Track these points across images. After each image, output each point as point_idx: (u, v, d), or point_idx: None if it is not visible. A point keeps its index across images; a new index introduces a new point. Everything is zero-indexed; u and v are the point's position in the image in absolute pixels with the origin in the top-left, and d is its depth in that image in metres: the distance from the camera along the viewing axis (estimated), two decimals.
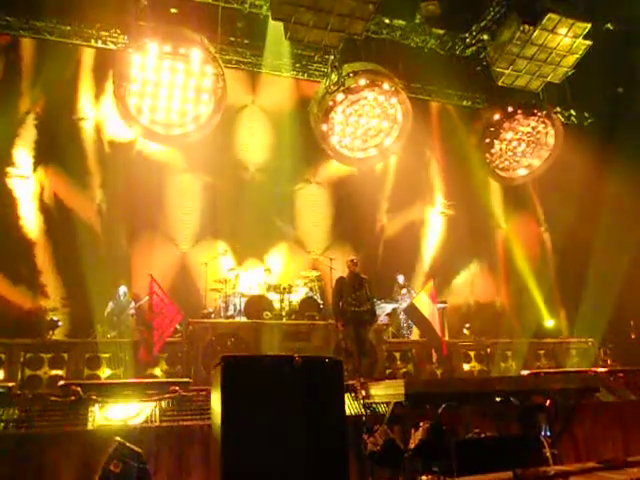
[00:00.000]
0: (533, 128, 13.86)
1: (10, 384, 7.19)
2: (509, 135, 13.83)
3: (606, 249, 12.15)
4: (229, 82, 11.68)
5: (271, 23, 10.79)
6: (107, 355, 8.65)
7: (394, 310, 11.38)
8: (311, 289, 10.92)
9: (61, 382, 6.74)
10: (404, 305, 10.92)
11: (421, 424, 4.92)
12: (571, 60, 11.86)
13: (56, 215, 11.09)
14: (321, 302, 10.65)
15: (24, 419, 5.80)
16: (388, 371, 9.86)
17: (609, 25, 12.32)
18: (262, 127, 13.13)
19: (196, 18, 11.09)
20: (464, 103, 14.27)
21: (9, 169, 10.98)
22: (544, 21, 11.04)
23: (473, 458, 4.84)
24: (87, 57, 11.69)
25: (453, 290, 13.23)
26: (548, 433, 5.69)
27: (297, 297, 10.48)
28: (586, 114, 14.63)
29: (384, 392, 5.84)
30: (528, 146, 14.07)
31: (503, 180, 14.52)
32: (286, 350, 8.95)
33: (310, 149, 12.86)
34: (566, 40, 11.45)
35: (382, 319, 10.93)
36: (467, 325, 11.92)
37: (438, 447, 4.78)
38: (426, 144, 14.18)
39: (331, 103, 12.39)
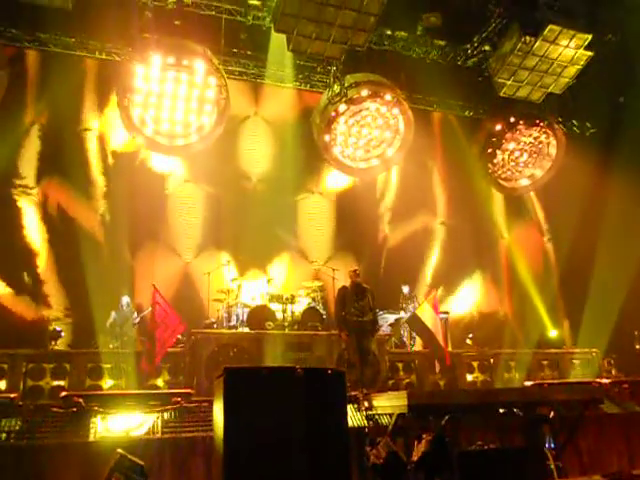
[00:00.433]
0: (535, 138, 13.88)
1: (12, 395, 7.19)
2: (511, 145, 13.85)
3: (610, 258, 12.12)
4: (232, 93, 11.74)
5: (274, 35, 10.86)
6: (109, 366, 8.63)
7: (397, 321, 11.35)
8: (314, 299, 10.90)
9: (63, 393, 6.74)
10: (407, 315, 10.90)
11: (424, 436, 4.89)
12: (572, 71, 11.90)
13: (59, 225, 11.14)
14: (324, 312, 10.63)
15: (26, 430, 5.80)
16: (391, 382, 9.81)
17: (610, 36, 12.35)
18: (265, 138, 13.19)
19: (199, 30, 11.17)
20: (466, 114, 14.31)
21: (13, 180, 11.03)
22: (545, 32, 11.08)
23: (476, 470, 4.81)
24: (91, 69, 11.78)
25: (456, 300, 13.20)
26: (552, 445, 5.66)
27: (300, 307, 10.47)
28: (588, 124, 14.65)
29: (387, 403, 5.83)
30: (530, 156, 14.09)
31: (505, 190, 14.53)
32: (289, 361, 8.93)
33: (312, 159, 12.91)
34: (567, 51, 11.49)
35: (385, 329, 10.91)
36: (470, 335, 11.88)
37: (441, 459, 4.75)
38: (428, 154, 14.21)
39: (333, 114, 12.43)
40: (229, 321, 10.22)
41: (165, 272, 11.74)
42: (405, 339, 11.24)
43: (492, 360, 10.71)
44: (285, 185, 12.69)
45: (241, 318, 10.15)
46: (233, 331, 9.93)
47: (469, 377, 10.55)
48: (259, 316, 9.90)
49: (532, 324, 12.85)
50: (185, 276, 11.93)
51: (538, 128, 13.70)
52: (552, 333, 12.87)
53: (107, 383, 8.60)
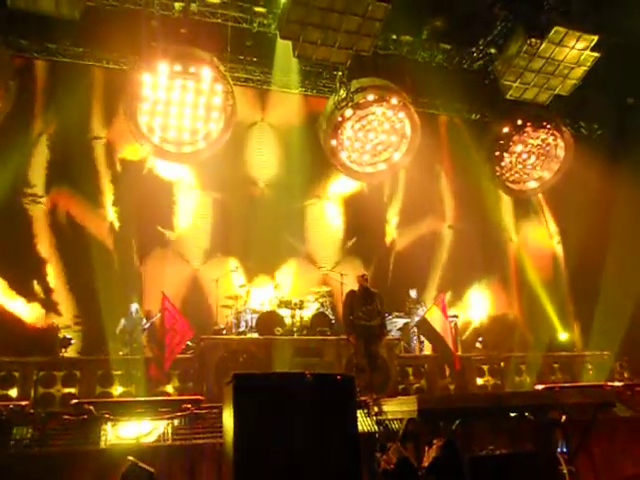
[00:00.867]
0: (543, 140, 13.81)
1: (24, 402, 7.24)
2: (519, 148, 13.79)
3: (620, 260, 12.03)
4: (238, 99, 11.79)
5: (279, 41, 10.90)
6: (119, 372, 8.68)
7: (405, 325, 11.32)
8: (322, 304, 10.90)
9: (74, 400, 6.77)
10: (416, 320, 10.87)
11: (435, 441, 4.87)
12: (579, 72, 11.84)
13: (69, 233, 11.22)
14: (332, 317, 10.63)
15: (37, 438, 5.83)
16: (401, 387, 9.79)
17: (617, 37, 12.30)
18: (271, 143, 13.23)
19: (206, 38, 11.24)
20: (472, 117, 14.28)
21: (23, 189, 11.13)
22: (551, 34, 11.05)
23: (488, 476, 4.79)
24: (99, 78, 11.88)
25: (465, 304, 13.15)
26: (564, 449, 5.61)
27: (308, 313, 10.48)
28: (595, 125, 14.57)
29: (397, 408, 5.81)
30: (538, 159, 14.02)
31: (513, 193, 14.47)
32: (298, 366, 8.93)
33: (319, 165, 12.92)
34: (574, 52, 11.43)
35: (394, 334, 10.88)
36: (480, 339, 11.81)
37: (452, 465, 4.72)
38: (435, 158, 14.18)
39: (340, 119, 12.45)
40: (238, 327, 10.24)
41: (174, 279, 11.79)
42: (413, 343, 11.20)
43: (502, 364, 10.66)
44: (292, 191, 12.72)
45: (250, 324, 10.17)
46: (242, 337, 9.95)
47: (479, 381, 10.50)
48: (268, 322, 9.91)
49: (542, 327, 12.76)
50: (194, 282, 11.97)
51: (545, 130, 13.63)
52: (562, 336, 12.77)
53: (117, 390, 8.63)
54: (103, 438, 5.89)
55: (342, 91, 12.07)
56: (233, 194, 12.55)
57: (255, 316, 10.15)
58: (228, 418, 3.94)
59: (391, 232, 13.74)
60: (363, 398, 6.74)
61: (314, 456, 3.85)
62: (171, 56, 10.98)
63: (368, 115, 12.75)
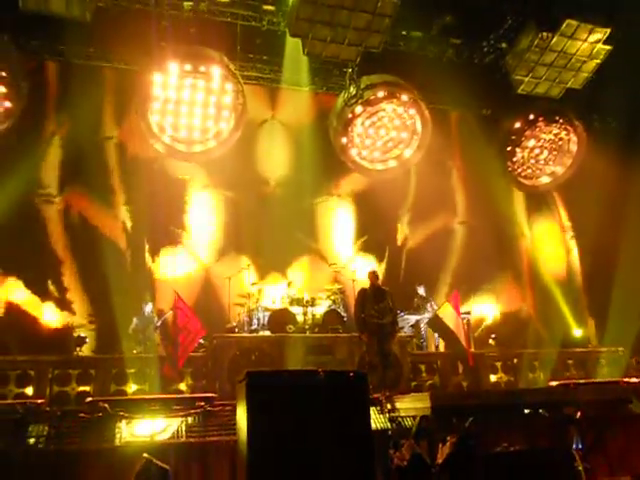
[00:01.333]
0: (555, 135, 13.70)
1: (39, 400, 7.32)
2: (531, 143, 13.69)
3: (634, 254, 11.89)
4: (249, 98, 11.82)
5: (289, 39, 10.90)
6: (133, 371, 8.74)
7: (417, 322, 11.28)
8: (334, 302, 10.89)
9: (89, 399, 6.83)
10: (427, 316, 10.83)
11: (448, 438, 4.85)
12: (591, 65, 11.72)
13: (82, 233, 11.31)
14: (344, 315, 10.62)
15: (54, 435, 5.89)
16: (413, 384, 9.76)
17: (630, 29, 12.14)
18: (282, 141, 13.23)
19: (215, 36, 11.27)
20: (484, 112, 14.18)
21: (37, 189, 11.24)
22: (563, 27, 10.94)
23: (502, 472, 4.76)
24: (110, 78, 11.95)
25: (478, 300, 13.06)
26: (579, 446, 5.57)
27: (320, 310, 10.48)
28: (608, 119, 14.41)
29: (410, 405, 5.80)
30: (550, 153, 13.91)
31: (526, 188, 14.35)
32: (310, 364, 8.94)
33: (330, 162, 12.89)
34: (586, 45, 11.32)
35: (406, 331, 10.85)
36: (493, 335, 11.74)
37: (466, 462, 4.70)
38: (446, 154, 14.11)
39: (350, 116, 12.43)
40: (250, 325, 10.27)
41: (186, 277, 11.86)
42: (424, 340, 11.16)
43: (516, 360, 10.59)
44: (303, 188, 12.71)
45: (262, 322, 10.19)
46: (254, 335, 9.98)
47: (493, 378, 10.44)
48: (280, 319, 9.94)
49: (556, 323, 12.66)
50: (206, 281, 12.02)
51: (558, 125, 13.52)
52: (577, 332, 12.66)
53: (131, 388, 8.70)
54: (118, 436, 5.94)
55: (352, 88, 12.04)
56: (244, 192, 12.57)
57: (267, 314, 10.18)
58: (241, 415, 3.95)
59: (402, 229, 13.69)
60: (376, 395, 6.72)
61: (327, 453, 3.85)
62: (181, 55, 11.04)
63: (378, 112, 12.73)
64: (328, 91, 13.20)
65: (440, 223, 13.92)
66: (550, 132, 13.64)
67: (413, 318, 11.28)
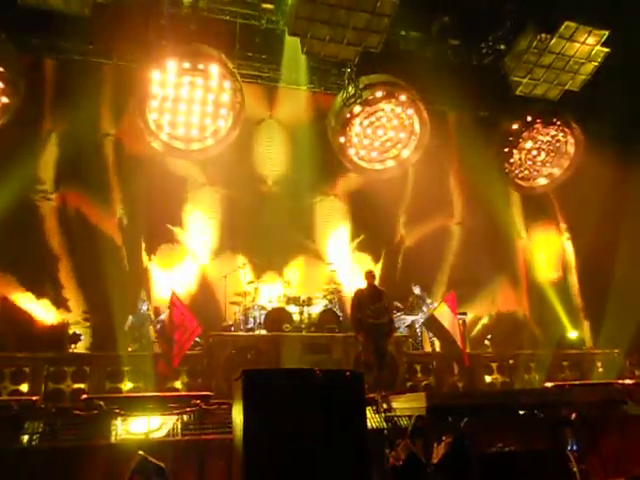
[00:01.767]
0: (553, 137, 13.72)
1: (34, 397, 7.29)
2: (528, 144, 13.70)
3: (631, 257, 11.94)
4: (247, 96, 11.79)
5: (288, 38, 10.90)
6: (128, 368, 8.72)
7: (413, 322, 11.29)
8: (330, 301, 10.90)
9: (84, 396, 6.81)
10: (423, 317, 10.84)
11: (444, 438, 4.86)
12: (590, 67, 11.75)
13: (78, 230, 11.26)
14: (340, 314, 10.63)
15: (49, 432, 5.87)
16: (409, 384, 9.78)
17: (628, 31, 12.17)
18: (280, 140, 13.22)
19: (214, 35, 11.25)
20: (481, 113, 14.19)
21: (34, 185, 11.19)
22: (561, 29, 10.98)
23: (497, 473, 4.76)
24: (108, 75, 11.89)
25: (474, 301, 13.09)
26: (574, 447, 5.58)
27: (316, 309, 10.48)
28: (606, 121, 14.41)
29: (406, 405, 5.81)
30: (548, 155, 13.92)
31: (523, 190, 14.37)
32: (306, 363, 8.95)
33: (328, 161, 12.88)
34: (584, 47, 11.36)
35: (402, 331, 10.86)
36: (488, 336, 11.77)
37: (461, 462, 4.71)
38: (444, 155, 14.11)
39: (348, 115, 12.42)
40: (246, 324, 10.26)
41: (182, 275, 11.84)
42: (419, 340, 11.17)
43: (511, 361, 10.62)
44: (301, 187, 12.70)
45: (258, 320, 10.19)
46: (250, 334, 9.97)
47: (488, 378, 10.47)
48: (276, 318, 9.93)
49: (552, 324, 12.70)
50: (202, 279, 12.00)
51: (555, 126, 13.53)
52: (572, 334, 12.69)
53: (127, 386, 8.68)
54: (113, 433, 5.93)
55: (350, 88, 12.04)
56: (241, 191, 12.55)
57: (263, 313, 10.17)
58: (237, 414, 3.95)
59: (399, 229, 13.69)
60: (371, 395, 6.73)
61: (323, 452, 3.85)
62: (180, 53, 11.00)
63: (377, 112, 12.72)
64: (326, 91, 13.19)
65: (437, 223, 13.93)
66: (547, 134, 13.65)
67: (409, 318, 11.29)
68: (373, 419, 6.44)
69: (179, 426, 6.15)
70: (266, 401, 3.85)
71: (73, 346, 9.65)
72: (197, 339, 9.16)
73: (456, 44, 12.73)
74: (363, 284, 8.65)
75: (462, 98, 13.46)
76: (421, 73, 12.28)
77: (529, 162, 13.97)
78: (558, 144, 13.81)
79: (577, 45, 11.30)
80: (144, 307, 10.28)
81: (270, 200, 12.68)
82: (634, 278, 11.63)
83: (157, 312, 10.49)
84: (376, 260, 13.16)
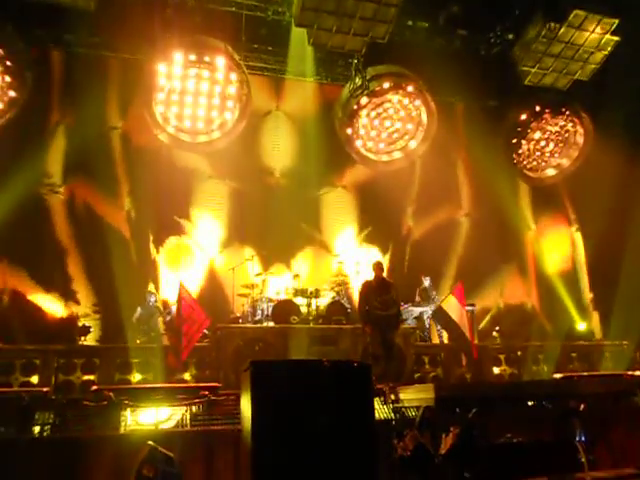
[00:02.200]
0: (562, 127, 13.60)
1: (45, 389, 7.36)
2: (537, 135, 13.60)
3: None
4: (253, 88, 11.78)
5: (294, 29, 10.86)
6: (137, 360, 8.79)
7: (421, 314, 11.28)
8: (338, 293, 10.91)
9: (94, 387, 6.87)
10: (431, 308, 10.82)
11: (452, 429, 4.85)
12: (599, 56, 11.62)
13: (86, 223, 11.32)
14: (348, 306, 10.64)
15: (59, 423, 5.92)
16: (417, 375, 9.79)
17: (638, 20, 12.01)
18: (287, 132, 13.19)
19: (220, 26, 11.21)
20: (489, 103, 14.08)
21: (42, 178, 11.24)
22: (570, 18, 10.84)
23: (505, 464, 4.76)
24: (115, 68, 11.90)
25: (482, 293, 13.05)
26: (583, 438, 5.56)
27: (324, 301, 10.49)
28: (616, 111, 14.27)
29: (414, 396, 5.81)
30: (557, 146, 13.82)
31: (532, 181, 14.28)
32: (314, 354, 8.97)
33: (335, 153, 12.85)
34: (594, 36, 11.22)
35: (410, 323, 10.86)
36: (497, 328, 11.74)
37: (469, 452, 4.71)
38: (452, 146, 14.03)
39: (355, 107, 12.37)
40: (254, 316, 10.29)
41: (190, 267, 11.88)
42: (427, 332, 11.16)
43: (520, 353, 10.60)
44: (308, 179, 12.68)
45: (266, 312, 10.21)
46: (258, 325, 10.01)
47: (496, 370, 10.47)
48: (284, 310, 9.95)
49: (560, 316, 12.65)
50: (210, 271, 12.05)
51: (564, 117, 13.42)
52: (581, 325, 12.64)
53: (136, 377, 8.75)
54: (122, 424, 5.97)
55: (357, 79, 11.99)
56: (249, 183, 12.55)
57: (271, 305, 10.19)
58: (246, 405, 3.95)
59: (407, 221, 13.66)
60: (379, 386, 6.73)
61: (331, 442, 3.85)
62: (186, 45, 11.00)
63: (384, 103, 12.67)
64: (333, 82, 13.13)
65: (445, 215, 13.88)
66: (556, 124, 13.54)
67: (417, 310, 11.28)
68: (381, 410, 6.44)
69: (188, 417, 6.18)
70: (274, 392, 3.85)
71: (83, 338, 9.73)
72: (205, 331, 9.20)
73: (464, 34, 12.62)
74: (371, 276, 8.64)
75: (470, 89, 13.36)
76: (429, 64, 12.18)
77: (538, 153, 13.88)
78: (567, 134, 13.69)
79: (586, 34, 11.17)
80: (152, 299, 10.32)
81: (277, 192, 12.68)
82: None
83: (165, 304, 10.55)
84: (384, 252, 13.15)
